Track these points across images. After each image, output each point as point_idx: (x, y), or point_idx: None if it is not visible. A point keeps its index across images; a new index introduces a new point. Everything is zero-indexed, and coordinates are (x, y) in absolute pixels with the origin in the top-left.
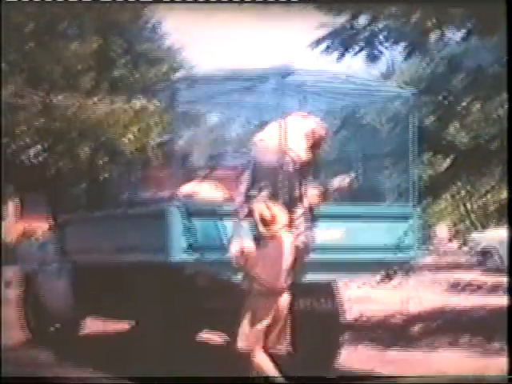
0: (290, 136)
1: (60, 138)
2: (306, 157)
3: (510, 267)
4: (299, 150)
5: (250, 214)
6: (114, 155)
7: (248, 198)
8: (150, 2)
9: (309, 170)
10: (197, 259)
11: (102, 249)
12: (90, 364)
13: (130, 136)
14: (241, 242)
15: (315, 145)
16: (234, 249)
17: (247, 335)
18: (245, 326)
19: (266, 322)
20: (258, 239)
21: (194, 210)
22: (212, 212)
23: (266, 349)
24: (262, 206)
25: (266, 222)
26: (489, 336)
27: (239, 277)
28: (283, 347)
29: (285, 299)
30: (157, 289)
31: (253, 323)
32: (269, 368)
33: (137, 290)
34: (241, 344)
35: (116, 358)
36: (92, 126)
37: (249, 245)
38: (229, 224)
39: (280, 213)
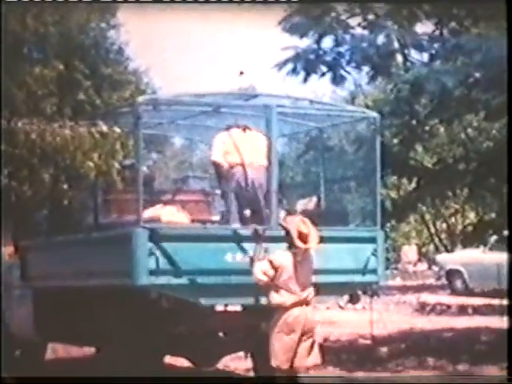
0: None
1: (22, 163)
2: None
3: (509, 289)
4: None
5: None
6: (76, 180)
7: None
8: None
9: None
10: (162, 283)
11: (64, 274)
12: None
13: (92, 163)
14: (268, 257)
15: None
16: (260, 265)
17: (278, 352)
18: (276, 343)
19: (297, 336)
20: (294, 253)
21: (158, 234)
22: (177, 235)
23: (292, 365)
24: (299, 221)
25: (302, 237)
26: (456, 358)
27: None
28: (312, 360)
29: (311, 311)
30: (121, 313)
31: (282, 339)
32: None
33: (101, 314)
34: (275, 362)
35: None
36: (53, 151)
37: (284, 258)
38: (195, 247)
39: (313, 229)
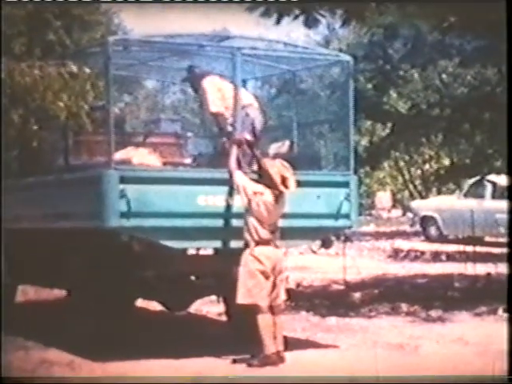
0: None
1: None
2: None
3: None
4: None
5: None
6: (46, 121)
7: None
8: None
9: None
10: (133, 226)
11: (35, 216)
12: (23, 333)
13: (62, 103)
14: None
15: None
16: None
17: (249, 290)
18: (245, 280)
19: (269, 275)
20: (276, 196)
21: (129, 176)
22: (148, 178)
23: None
24: (281, 166)
25: (284, 182)
26: (429, 304)
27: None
28: (283, 301)
29: (281, 253)
30: (92, 256)
31: (254, 276)
32: (267, 329)
33: (72, 257)
34: (242, 300)
35: (50, 327)
36: (23, 91)
37: (268, 199)
38: (166, 189)
39: (292, 175)
